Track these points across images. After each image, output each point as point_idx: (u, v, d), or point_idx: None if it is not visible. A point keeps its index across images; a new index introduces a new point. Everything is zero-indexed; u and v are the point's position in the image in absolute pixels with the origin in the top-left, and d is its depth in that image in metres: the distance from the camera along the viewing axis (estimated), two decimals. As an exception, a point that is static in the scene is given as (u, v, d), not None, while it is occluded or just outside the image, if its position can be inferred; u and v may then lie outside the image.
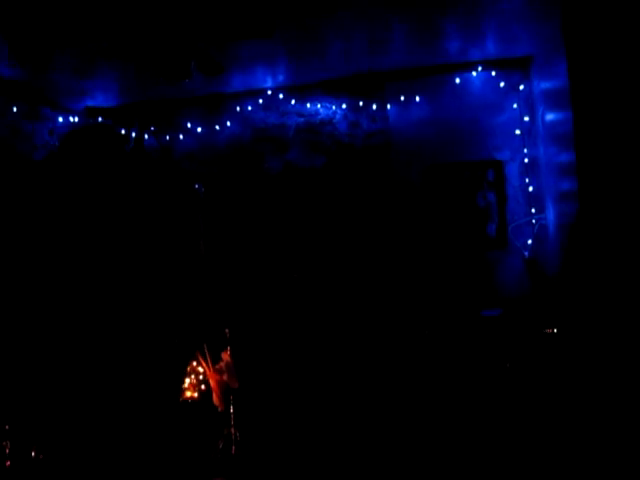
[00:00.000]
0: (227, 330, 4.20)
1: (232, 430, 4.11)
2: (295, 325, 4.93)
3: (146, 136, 5.77)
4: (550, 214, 4.89)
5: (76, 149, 4.91)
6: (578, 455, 3.31)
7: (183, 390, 4.03)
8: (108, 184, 5.00)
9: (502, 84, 5.19)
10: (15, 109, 5.16)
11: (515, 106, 5.17)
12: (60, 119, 5.70)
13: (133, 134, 5.79)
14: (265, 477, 3.75)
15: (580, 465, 3.24)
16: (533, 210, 5.08)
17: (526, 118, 5.14)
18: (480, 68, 5.20)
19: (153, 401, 4.10)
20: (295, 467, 3.79)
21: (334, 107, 5.48)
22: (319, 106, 5.50)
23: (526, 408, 3.76)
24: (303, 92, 5.49)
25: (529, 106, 5.14)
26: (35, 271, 4.71)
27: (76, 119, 5.81)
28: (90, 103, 5.76)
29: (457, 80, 5.25)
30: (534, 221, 5.06)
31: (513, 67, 5.18)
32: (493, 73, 5.20)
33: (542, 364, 3.89)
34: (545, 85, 4.76)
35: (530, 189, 5.10)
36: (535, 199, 5.09)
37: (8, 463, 3.40)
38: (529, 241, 5.03)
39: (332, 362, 4.69)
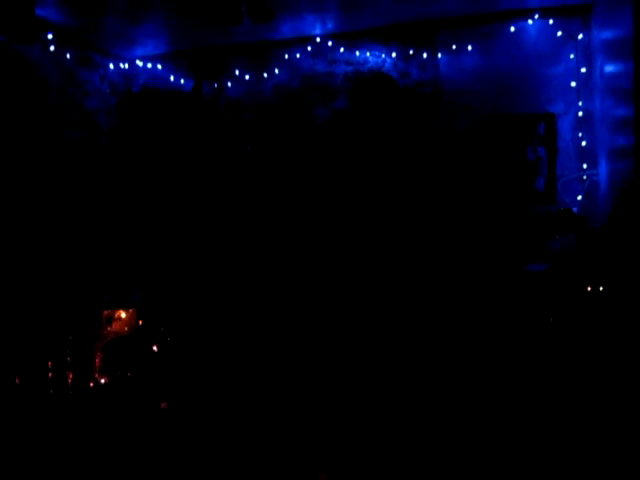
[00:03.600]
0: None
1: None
2: (340, 271, 5.00)
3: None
4: (602, 170, 4.77)
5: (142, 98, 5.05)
6: (622, 418, 3.32)
7: None
8: (171, 129, 5.13)
9: (559, 33, 5.00)
10: (69, 56, 5.26)
11: (572, 57, 4.98)
12: (111, 66, 5.78)
13: (182, 80, 5.83)
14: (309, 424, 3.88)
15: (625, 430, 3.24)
16: (585, 165, 4.96)
17: (583, 69, 4.96)
18: (537, 16, 5.01)
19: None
20: (337, 413, 3.88)
21: (383, 55, 5.38)
22: (368, 54, 5.41)
23: (566, 362, 3.78)
24: (352, 40, 5.41)
25: (587, 57, 4.95)
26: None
27: (126, 66, 5.88)
28: (140, 51, 5.81)
29: (512, 29, 5.08)
30: (585, 177, 4.94)
31: (572, 15, 4.96)
32: (550, 21, 5.01)
33: (586, 320, 3.88)
34: (606, 35, 4.57)
35: (583, 144, 4.97)
36: (587, 154, 4.95)
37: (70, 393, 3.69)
38: (579, 197, 4.94)
39: (374, 309, 4.76)
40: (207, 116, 5.21)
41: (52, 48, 5.03)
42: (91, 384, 3.90)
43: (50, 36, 4.98)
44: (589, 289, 3.99)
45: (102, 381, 3.93)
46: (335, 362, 4.16)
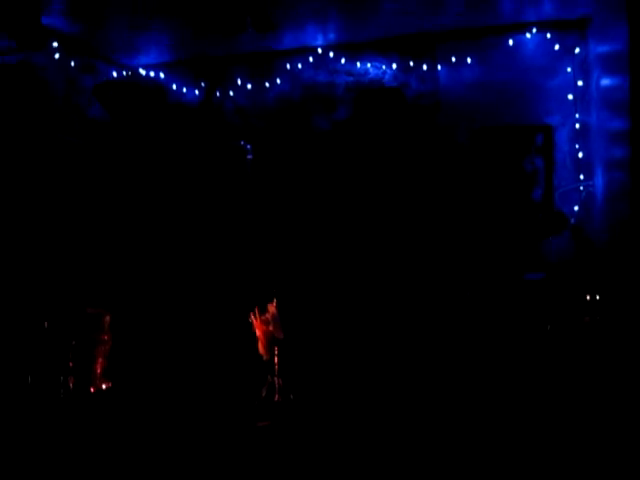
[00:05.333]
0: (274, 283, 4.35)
1: (276, 378, 4.30)
2: (339, 282, 5.05)
3: (195, 92, 5.88)
4: (599, 181, 4.84)
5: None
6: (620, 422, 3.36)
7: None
8: (178, 138, 5.18)
9: (557, 47, 5.08)
10: (73, 63, 5.32)
11: (569, 70, 5.06)
12: (114, 74, 5.84)
13: (184, 89, 5.90)
14: (305, 423, 3.93)
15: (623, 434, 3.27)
16: (581, 177, 5.03)
17: (580, 82, 5.04)
18: (535, 30, 5.09)
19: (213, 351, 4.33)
20: (334, 414, 3.95)
21: (384, 67, 5.46)
22: (369, 66, 5.48)
23: (563, 369, 3.82)
24: (353, 51, 5.48)
25: (584, 70, 5.03)
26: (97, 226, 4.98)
27: (130, 74, 5.94)
28: (144, 59, 5.87)
29: (510, 42, 5.16)
30: (582, 188, 5.01)
31: (569, 29, 5.05)
32: (548, 35, 5.09)
33: (582, 328, 3.93)
34: (602, 49, 4.65)
35: (579, 155, 5.04)
36: (584, 166, 5.03)
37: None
38: (575, 208, 5.00)
39: (374, 317, 4.81)
40: (211, 127, 5.26)
41: (57, 56, 5.09)
42: (92, 390, 3.93)
43: (55, 44, 5.04)
44: (588, 298, 4.04)
45: (103, 387, 3.96)
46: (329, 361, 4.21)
